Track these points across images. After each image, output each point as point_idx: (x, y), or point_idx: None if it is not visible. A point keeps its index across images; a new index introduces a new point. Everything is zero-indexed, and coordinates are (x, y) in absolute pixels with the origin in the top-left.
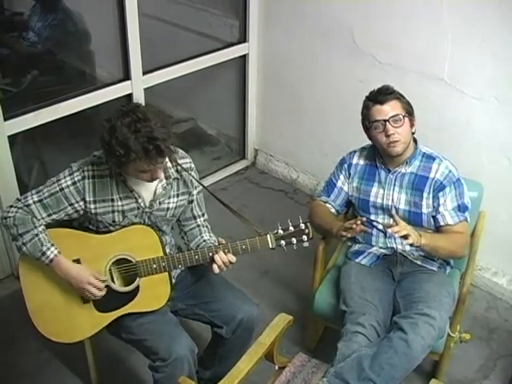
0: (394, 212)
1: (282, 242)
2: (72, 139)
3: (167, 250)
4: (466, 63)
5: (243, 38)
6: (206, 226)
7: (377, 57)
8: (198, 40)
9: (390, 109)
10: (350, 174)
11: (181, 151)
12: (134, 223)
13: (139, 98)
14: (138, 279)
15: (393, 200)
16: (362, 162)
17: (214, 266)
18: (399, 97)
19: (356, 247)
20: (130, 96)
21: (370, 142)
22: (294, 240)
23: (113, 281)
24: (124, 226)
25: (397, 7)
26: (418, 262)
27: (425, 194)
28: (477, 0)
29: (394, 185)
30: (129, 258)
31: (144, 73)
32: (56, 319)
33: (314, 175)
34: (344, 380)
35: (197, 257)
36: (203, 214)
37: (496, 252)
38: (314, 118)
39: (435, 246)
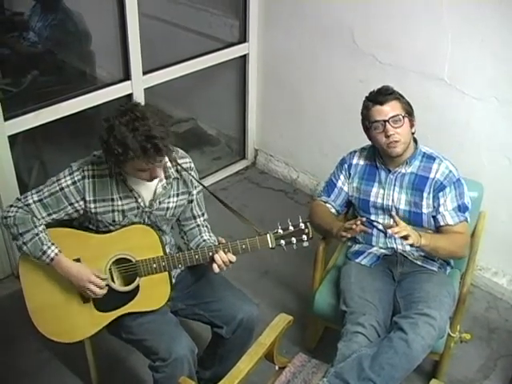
0: (394, 212)
1: (282, 242)
2: (72, 139)
3: (167, 250)
4: (466, 63)
5: (243, 38)
6: (206, 226)
7: (377, 57)
8: (198, 40)
9: (389, 109)
10: (350, 174)
11: (181, 151)
12: (133, 223)
13: (139, 98)
14: (137, 279)
15: (393, 200)
16: (362, 162)
17: (214, 266)
18: (399, 97)
19: (356, 247)
20: (130, 96)
21: (370, 142)
22: (293, 240)
23: (113, 280)
24: (124, 226)
25: (397, 7)
26: (418, 262)
27: (425, 194)
28: (477, 0)
29: (394, 185)
30: (129, 258)
31: (144, 73)
32: (56, 319)
33: (314, 175)
34: (344, 380)
35: (197, 256)
36: (203, 214)
37: (496, 252)
38: (314, 118)
39: (435, 247)
